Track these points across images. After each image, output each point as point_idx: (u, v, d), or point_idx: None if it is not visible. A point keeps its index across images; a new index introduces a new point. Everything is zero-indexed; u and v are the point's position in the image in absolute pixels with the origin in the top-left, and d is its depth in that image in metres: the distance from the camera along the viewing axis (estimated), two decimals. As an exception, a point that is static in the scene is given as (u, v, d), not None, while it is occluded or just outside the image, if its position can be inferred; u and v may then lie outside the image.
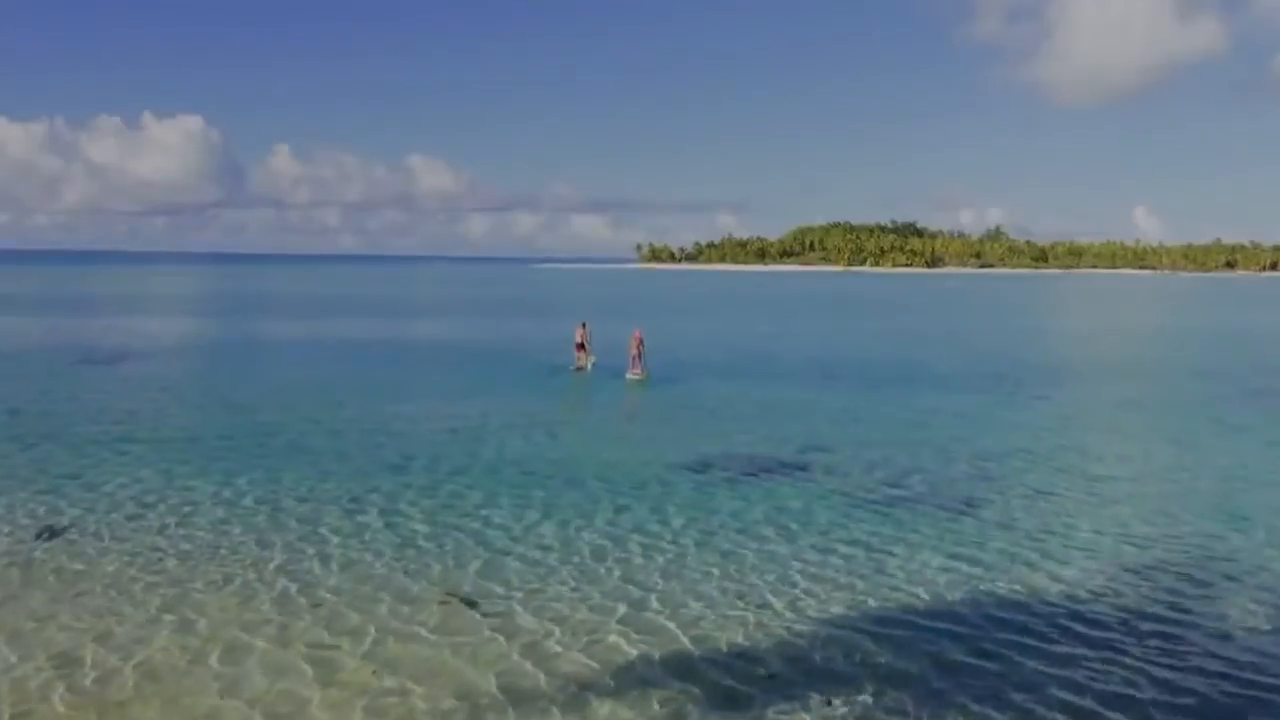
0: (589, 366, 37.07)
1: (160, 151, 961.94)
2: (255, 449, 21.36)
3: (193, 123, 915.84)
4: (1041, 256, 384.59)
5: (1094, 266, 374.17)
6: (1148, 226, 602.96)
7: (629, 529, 15.62)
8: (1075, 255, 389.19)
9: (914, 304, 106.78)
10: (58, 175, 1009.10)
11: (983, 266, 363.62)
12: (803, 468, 20.39)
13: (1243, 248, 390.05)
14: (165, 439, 22.33)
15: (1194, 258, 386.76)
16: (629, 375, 34.97)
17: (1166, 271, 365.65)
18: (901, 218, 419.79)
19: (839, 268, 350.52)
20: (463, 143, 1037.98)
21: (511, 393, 30.90)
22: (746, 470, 19.97)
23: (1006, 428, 25.99)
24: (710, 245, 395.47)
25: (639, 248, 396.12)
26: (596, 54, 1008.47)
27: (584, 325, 38.24)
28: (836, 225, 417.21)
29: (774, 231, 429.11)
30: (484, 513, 16.39)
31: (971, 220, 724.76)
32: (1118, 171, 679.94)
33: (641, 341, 35.73)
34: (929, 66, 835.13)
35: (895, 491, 18.47)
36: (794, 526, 15.88)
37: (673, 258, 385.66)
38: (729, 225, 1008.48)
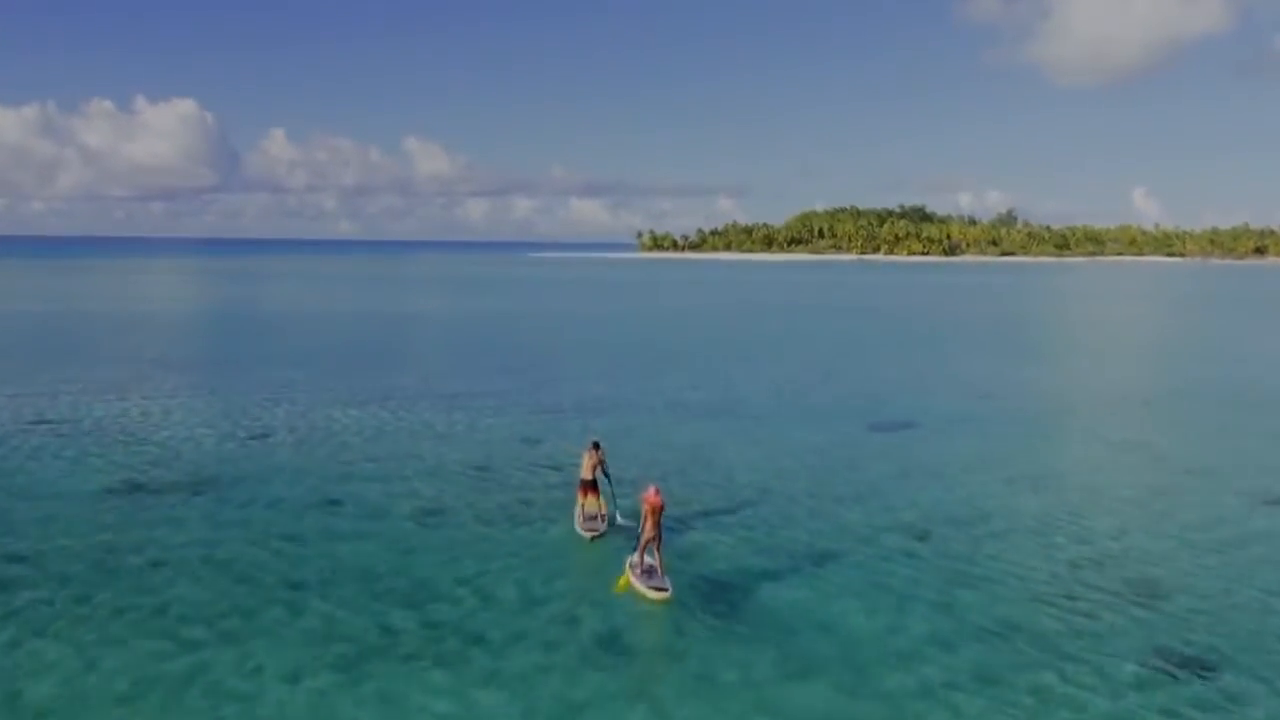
0: (602, 524, 18.92)
1: (154, 136, 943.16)
2: None
3: (186, 106, 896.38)
4: (1063, 244, 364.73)
5: (1120, 254, 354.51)
6: (1147, 208, 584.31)
7: None
8: (1095, 242, 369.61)
9: (1001, 317, 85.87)
10: (52, 160, 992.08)
11: (1003, 254, 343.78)
12: None
13: (1272, 233, 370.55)
14: None
15: (1220, 243, 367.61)
16: (645, 589, 15.79)
17: (1196, 259, 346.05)
18: (901, 200, 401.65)
19: (852, 256, 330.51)
20: (459, 126, 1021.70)
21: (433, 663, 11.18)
22: None
23: None
24: (714, 232, 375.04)
25: (639, 235, 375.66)
26: (593, 35, 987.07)
27: (595, 447, 19.41)
28: (843, 210, 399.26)
29: (774, 215, 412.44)
30: None
31: (970, 202, 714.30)
32: (1119, 153, 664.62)
33: (661, 509, 16.35)
34: (927, 47, 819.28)
35: None
36: None
37: (675, 245, 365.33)
38: (728, 209, 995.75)
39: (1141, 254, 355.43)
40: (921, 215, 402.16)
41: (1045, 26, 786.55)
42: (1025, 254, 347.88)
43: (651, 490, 16.66)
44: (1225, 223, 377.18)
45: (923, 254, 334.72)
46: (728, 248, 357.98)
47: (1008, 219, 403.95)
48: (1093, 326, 72.46)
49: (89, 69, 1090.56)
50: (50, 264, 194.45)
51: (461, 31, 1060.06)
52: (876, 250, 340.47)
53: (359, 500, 20.70)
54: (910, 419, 30.74)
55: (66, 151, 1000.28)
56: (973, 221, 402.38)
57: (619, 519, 19.09)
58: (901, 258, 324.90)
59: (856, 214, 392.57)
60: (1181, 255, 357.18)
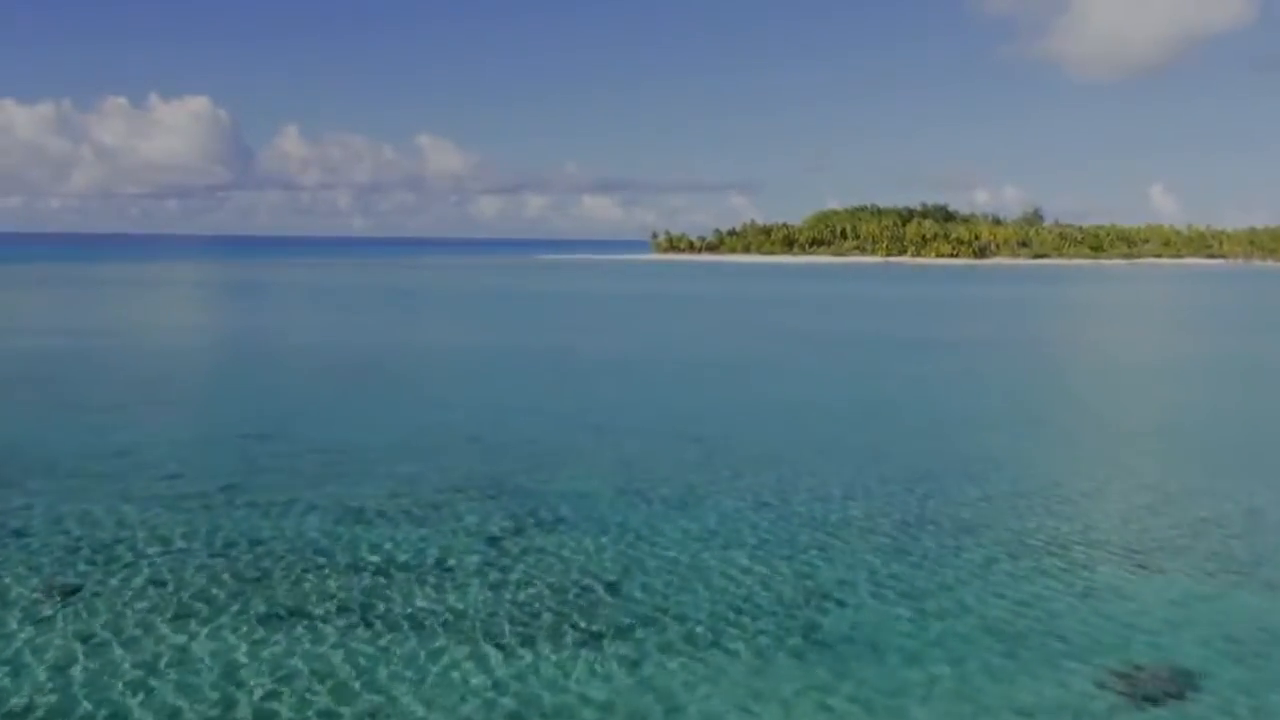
0: None
1: (168, 133, 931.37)
2: None
3: (200, 103, 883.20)
4: (1098, 245, 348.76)
5: (1158, 256, 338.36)
6: (1164, 204, 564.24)
7: None
8: (1127, 242, 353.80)
9: (1130, 357, 70.83)
10: (67, 158, 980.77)
11: (1035, 256, 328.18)
12: None
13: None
14: None
15: (1260, 244, 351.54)
16: None
17: (1238, 261, 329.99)
18: (915, 196, 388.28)
19: (878, 258, 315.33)
20: (471, 123, 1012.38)
21: None
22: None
23: None
24: (731, 233, 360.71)
25: (654, 236, 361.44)
26: (604, 32, 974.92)
27: None
28: (863, 208, 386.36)
29: (788, 213, 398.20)
30: None
31: (986, 199, 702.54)
32: (1137, 149, 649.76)
33: None
34: (941, 41, 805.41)
35: None
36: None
37: (691, 246, 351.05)
38: (740, 205, 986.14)
39: (1180, 255, 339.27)
40: (944, 214, 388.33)
41: (1062, 21, 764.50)
42: (1059, 256, 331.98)
43: None
44: (1245, 221, 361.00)
45: (951, 256, 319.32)
46: (746, 249, 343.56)
47: (1034, 218, 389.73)
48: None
49: (103, 66, 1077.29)
50: (45, 270, 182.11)
51: (472, 28, 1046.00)
52: (903, 252, 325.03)
53: None
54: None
55: (81, 149, 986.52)
56: (998, 221, 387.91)
57: None
58: (929, 260, 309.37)
59: (878, 213, 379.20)
60: (1221, 257, 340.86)
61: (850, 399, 43.19)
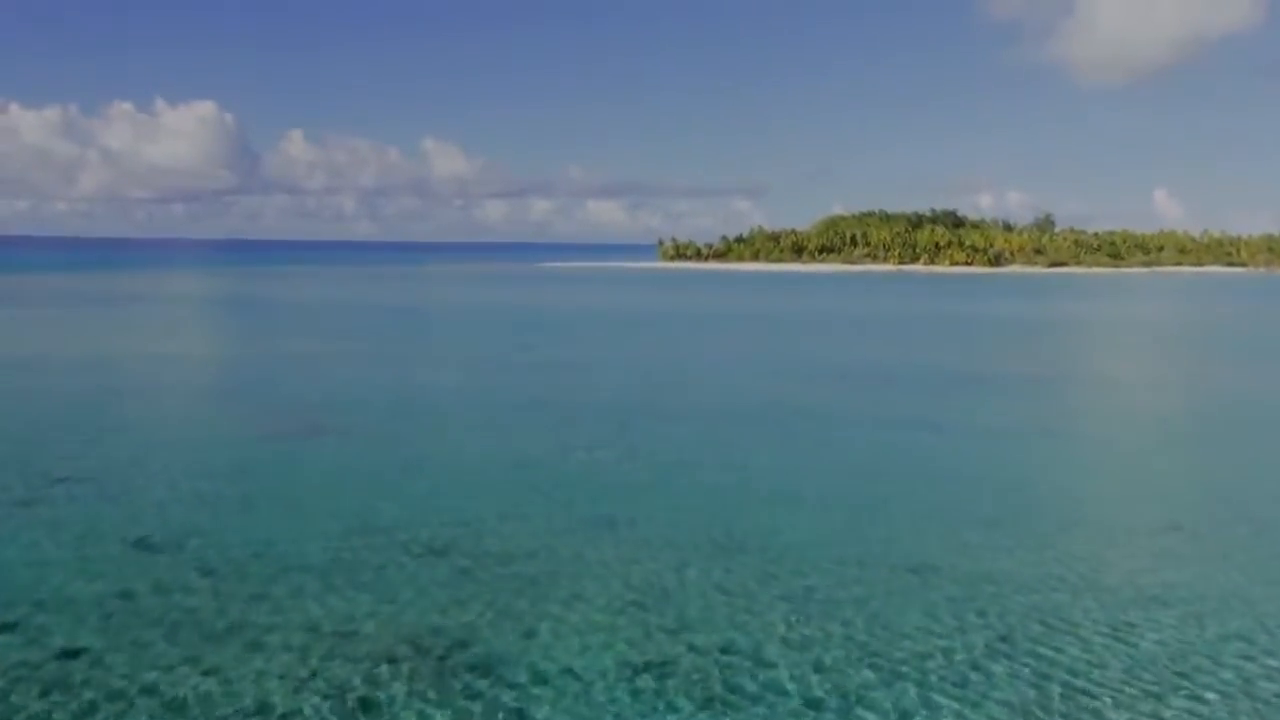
0: None
1: (174, 137, 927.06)
2: None
3: (205, 108, 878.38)
4: (1115, 252, 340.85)
5: (1178, 263, 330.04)
6: (1169, 209, 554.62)
7: None
8: (1143, 249, 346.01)
9: None
10: (73, 162, 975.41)
11: (1051, 265, 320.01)
12: None
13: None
14: None
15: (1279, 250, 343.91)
16: None
17: (1261, 269, 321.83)
18: (920, 201, 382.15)
19: (890, 267, 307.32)
20: (476, 127, 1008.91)
21: None
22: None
23: None
24: (739, 240, 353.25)
25: (660, 243, 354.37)
26: (608, 36, 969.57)
27: None
28: (871, 214, 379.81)
29: (794, 219, 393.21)
30: None
31: (991, 204, 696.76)
32: (1144, 154, 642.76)
33: None
34: (945, 45, 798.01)
35: None
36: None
37: (698, 254, 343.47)
38: (745, 210, 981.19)
39: (1200, 263, 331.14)
40: (954, 220, 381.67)
41: (1067, 24, 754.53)
42: (1076, 263, 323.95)
43: None
44: (1251, 225, 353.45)
45: (965, 264, 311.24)
46: (755, 256, 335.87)
47: (1046, 223, 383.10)
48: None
49: (109, 71, 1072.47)
50: (35, 280, 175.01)
51: (477, 33, 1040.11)
52: (915, 260, 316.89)
53: None
54: None
55: (88, 153, 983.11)
56: (1009, 226, 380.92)
57: None
58: (944, 269, 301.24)
59: (887, 219, 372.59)
60: (1241, 265, 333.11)
61: (921, 475, 33.69)
